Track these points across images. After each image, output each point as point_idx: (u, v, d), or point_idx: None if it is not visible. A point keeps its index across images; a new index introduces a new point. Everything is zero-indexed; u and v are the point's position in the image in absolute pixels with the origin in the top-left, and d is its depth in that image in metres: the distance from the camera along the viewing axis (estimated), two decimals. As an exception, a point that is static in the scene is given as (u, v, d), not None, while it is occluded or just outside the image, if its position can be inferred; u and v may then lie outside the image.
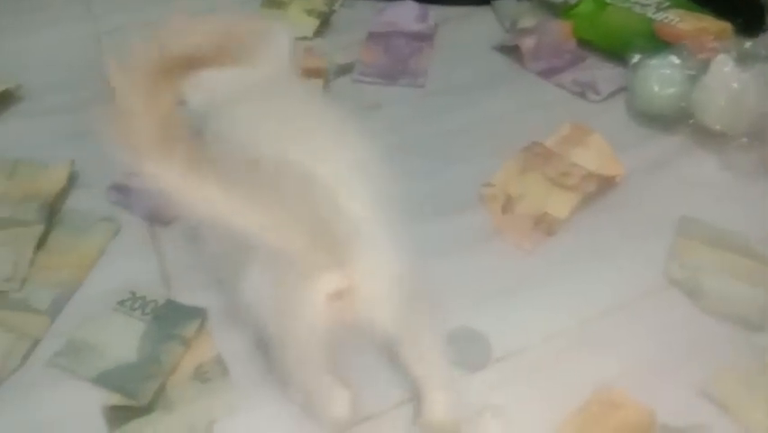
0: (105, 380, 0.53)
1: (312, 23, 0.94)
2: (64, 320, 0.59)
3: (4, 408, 0.53)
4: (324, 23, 0.96)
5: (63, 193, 0.69)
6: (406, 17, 0.95)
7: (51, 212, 0.66)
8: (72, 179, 0.71)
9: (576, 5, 0.92)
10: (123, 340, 0.55)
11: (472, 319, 0.58)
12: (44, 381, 0.54)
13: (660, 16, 0.86)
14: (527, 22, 0.95)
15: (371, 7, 0.99)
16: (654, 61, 0.77)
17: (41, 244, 0.64)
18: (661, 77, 0.76)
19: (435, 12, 0.97)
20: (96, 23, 1.01)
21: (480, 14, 0.98)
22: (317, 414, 0.49)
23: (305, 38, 0.93)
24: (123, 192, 0.70)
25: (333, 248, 0.39)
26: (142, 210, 0.68)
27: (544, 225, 0.65)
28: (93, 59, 0.92)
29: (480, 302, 0.59)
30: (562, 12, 0.93)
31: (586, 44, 0.89)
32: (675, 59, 0.76)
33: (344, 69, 0.88)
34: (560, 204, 0.65)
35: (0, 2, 1.04)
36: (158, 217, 0.67)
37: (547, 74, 0.86)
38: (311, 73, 0.85)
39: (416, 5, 0.97)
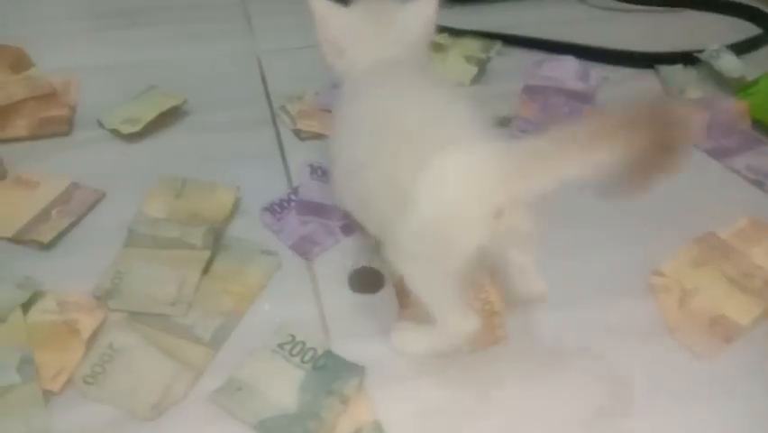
0: (265, 428, 0.52)
1: (470, 71, 0.93)
2: (225, 354, 0.59)
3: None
4: (482, 70, 0.94)
5: (228, 218, 0.70)
6: (566, 73, 0.93)
7: (217, 238, 0.67)
8: (235, 204, 0.72)
9: (755, 83, 0.87)
10: (283, 387, 0.55)
11: (639, 429, 0.54)
12: (205, 417, 0.54)
13: None
14: (695, 92, 0.91)
15: (528, 58, 0.97)
16: None
17: (205, 270, 0.65)
18: None
19: (595, 70, 0.94)
20: (255, 41, 1.04)
21: (643, 78, 0.95)
22: (447, 330, 0.55)
23: (461, 84, 0.92)
24: (275, 216, 0.71)
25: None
26: (291, 237, 0.69)
27: (721, 329, 0.60)
28: (252, 78, 0.94)
29: (652, 411, 0.56)
30: (738, 88, 0.88)
31: (762, 127, 0.84)
32: None
33: (503, 122, 0.86)
34: (741, 308, 0.61)
35: (168, 11, 1.08)
36: (303, 249, 0.68)
37: (717, 154, 0.82)
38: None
39: (577, 62, 0.94)
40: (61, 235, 0.69)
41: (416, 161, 0.50)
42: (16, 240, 0.68)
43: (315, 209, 0.72)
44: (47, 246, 0.68)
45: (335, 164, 0.61)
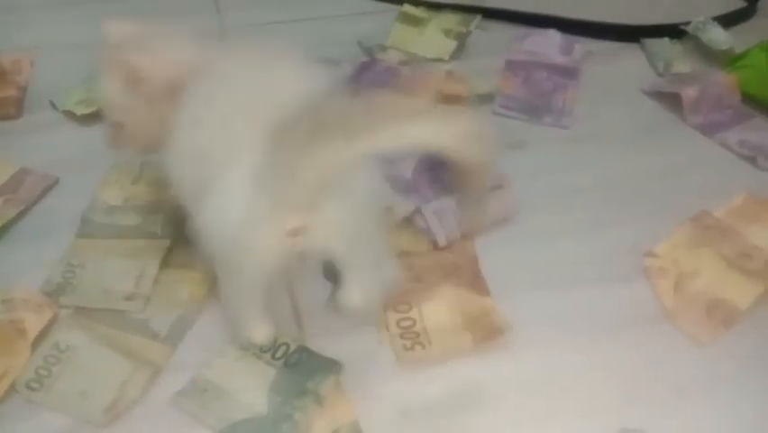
0: (233, 433, 0.48)
1: (449, 45, 0.89)
2: (188, 351, 0.54)
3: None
4: (461, 45, 0.90)
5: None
6: (549, 48, 0.88)
7: (177, 225, 0.62)
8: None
9: (744, 56, 0.84)
10: (251, 387, 0.50)
11: (643, 420, 0.51)
12: (166, 423, 0.49)
13: None
14: (682, 66, 0.87)
15: (509, 32, 0.93)
16: None
17: (163, 261, 0.60)
18: None
19: (579, 44, 0.89)
20: (221, 17, 0.97)
21: (628, 52, 0.91)
22: (236, 333, 0.52)
23: (440, 60, 0.87)
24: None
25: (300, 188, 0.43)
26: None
27: (720, 314, 0.57)
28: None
29: (651, 400, 0.52)
30: (727, 61, 0.85)
31: (752, 101, 0.81)
32: None
33: (484, 99, 0.81)
34: (741, 291, 0.58)
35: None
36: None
37: (707, 130, 0.78)
38: (451, 100, 0.79)
39: (560, 35, 0.90)
40: (8, 226, 0.64)
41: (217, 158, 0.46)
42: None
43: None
44: (-7, 237, 0.62)
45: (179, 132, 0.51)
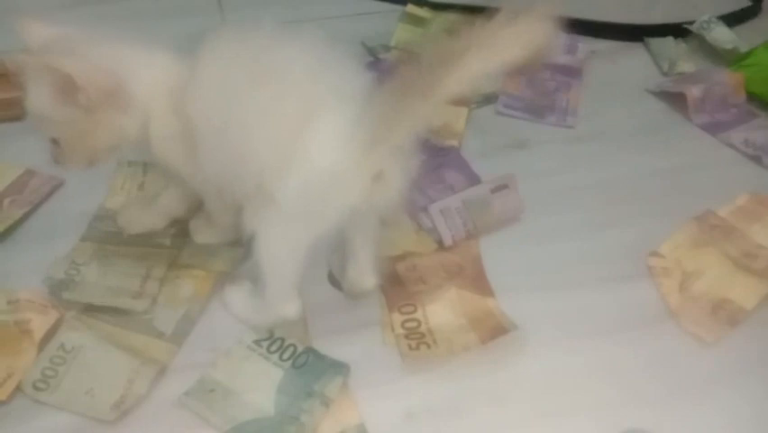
0: (239, 433, 0.48)
1: (452, 44, 0.88)
2: (194, 352, 0.54)
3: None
4: (464, 44, 0.89)
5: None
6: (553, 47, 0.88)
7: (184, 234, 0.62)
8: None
9: (748, 55, 0.84)
10: (258, 388, 0.50)
11: (646, 420, 0.51)
12: (173, 423, 0.50)
13: None
14: (687, 66, 0.87)
15: (512, 30, 0.92)
16: None
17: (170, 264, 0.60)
18: None
19: (582, 44, 0.89)
20: (225, 17, 0.97)
21: (633, 51, 0.91)
22: (269, 308, 0.53)
23: (443, 59, 0.87)
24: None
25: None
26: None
27: (725, 314, 0.57)
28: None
29: (654, 400, 0.52)
30: (732, 61, 0.85)
31: (757, 100, 0.81)
32: None
33: (488, 99, 0.81)
34: (746, 291, 0.57)
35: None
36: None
37: (712, 129, 0.78)
38: (453, 100, 0.79)
39: (564, 35, 0.89)
40: (14, 227, 0.64)
41: (297, 121, 0.47)
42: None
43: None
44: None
45: (195, 132, 0.51)
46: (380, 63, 0.85)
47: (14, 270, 0.59)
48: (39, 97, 0.49)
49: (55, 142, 0.52)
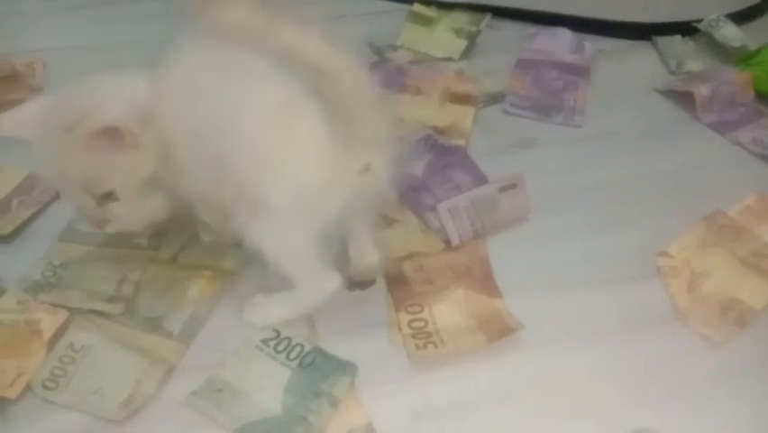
0: (247, 433, 0.48)
1: (459, 44, 0.89)
2: (202, 352, 0.54)
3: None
4: (471, 44, 0.89)
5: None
6: (560, 46, 0.88)
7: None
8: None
9: (757, 53, 0.83)
10: (266, 387, 0.51)
11: (650, 421, 0.50)
12: (180, 423, 0.50)
13: None
14: (694, 64, 0.87)
15: (519, 31, 0.92)
16: None
17: (172, 259, 0.60)
18: None
19: (589, 43, 0.89)
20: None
21: (640, 50, 0.90)
22: (310, 291, 0.54)
23: (450, 59, 0.87)
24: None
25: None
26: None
27: (734, 315, 0.57)
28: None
29: (659, 401, 0.52)
30: (740, 59, 0.84)
31: (766, 98, 0.80)
32: None
33: (494, 98, 0.81)
34: (755, 291, 0.57)
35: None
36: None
37: (720, 128, 0.78)
38: (460, 99, 0.79)
39: (571, 34, 0.89)
40: (22, 227, 0.64)
41: (275, 121, 0.48)
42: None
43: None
44: (7, 239, 0.63)
45: (179, 145, 0.51)
46: (387, 63, 0.85)
47: (24, 270, 0.59)
48: (84, 161, 0.50)
49: (105, 198, 0.52)
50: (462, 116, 0.77)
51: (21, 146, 0.72)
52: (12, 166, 0.70)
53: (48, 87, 0.81)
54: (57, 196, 0.68)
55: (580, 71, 0.84)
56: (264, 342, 0.53)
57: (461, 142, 0.74)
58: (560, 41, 0.88)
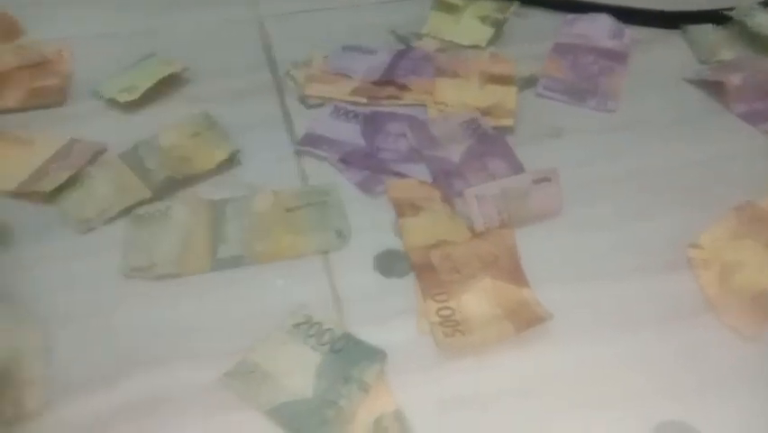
0: (280, 416, 0.49)
1: (486, 32, 0.88)
2: (234, 335, 0.55)
3: (178, 423, 0.50)
4: (498, 32, 0.89)
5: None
6: (599, 31, 0.87)
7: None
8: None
9: (792, 42, 0.82)
10: (296, 371, 0.51)
11: (680, 414, 0.50)
12: (215, 401, 0.50)
13: None
14: (726, 53, 0.85)
15: (546, 18, 0.91)
16: None
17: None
18: None
19: (629, 29, 0.88)
20: (258, 5, 0.98)
21: (670, 39, 0.89)
22: None
23: (477, 47, 0.86)
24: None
25: None
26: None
27: (765, 307, 0.56)
28: (255, 44, 0.89)
29: (689, 393, 0.52)
30: (774, 47, 0.83)
31: (799, 88, 0.79)
32: None
33: (528, 82, 0.81)
34: (787, 284, 0.57)
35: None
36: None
37: (751, 118, 0.77)
38: (500, 80, 0.79)
39: (611, 20, 0.88)
40: (62, 188, 0.66)
41: None
42: (17, 194, 0.65)
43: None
44: (49, 199, 0.65)
45: None
46: (413, 51, 0.84)
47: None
48: None
49: None
50: (504, 96, 0.76)
51: (50, 132, 0.74)
52: (48, 138, 0.71)
53: (76, 74, 0.82)
54: (91, 160, 0.69)
55: (617, 56, 0.84)
56: (296, 326, 0.54)
57: (508, 122, 0.73)
58: (599, 26, 0.88)
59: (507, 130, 0.73)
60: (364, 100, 0.78)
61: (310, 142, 0.73)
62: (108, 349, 0.54)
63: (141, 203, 0.65)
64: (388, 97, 0.78)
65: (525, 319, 0.55)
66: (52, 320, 0.55)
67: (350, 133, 0.73)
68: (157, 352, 0.54)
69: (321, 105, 0.78)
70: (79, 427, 0.49)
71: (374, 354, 0.52)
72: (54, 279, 0.59)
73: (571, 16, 0.90)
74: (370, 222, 0.65)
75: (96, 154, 0.69)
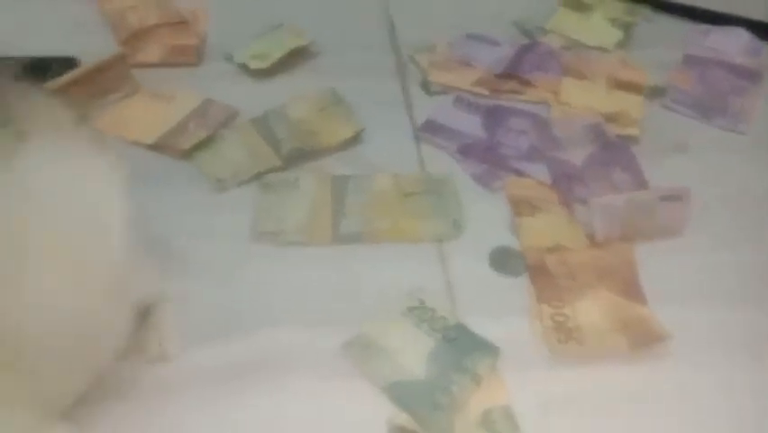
0: (394, 392, 0.50)
1: (615, 34, 0.86)
2: (352, 309, 0.56)
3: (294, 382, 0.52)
4: (627, 35, 0.86)
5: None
6: (733, 46, 0.83)
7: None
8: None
9: None
10: (410, 352, 0.52)
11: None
12: (334, 370, 0.52)
13: None
14: None
15: (677, 26, 0.88)
16: None
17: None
18: None
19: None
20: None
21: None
22: None
23: (603, 48, 0.84)
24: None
25: None
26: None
27: None
28: (380, 27, 0.89)
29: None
30: None
31: None
32: None
33: (654, 91, 0.78)
34: None
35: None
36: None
37: None
38: (628, 87, 0.77)
39: (748, 35, 0.84)
40: (199, 147, 0.69)
41: None
42: (156, 147, 0.68)
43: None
44: (186, 155, 0.68)
45: None
46: (538, 46, 0.83)
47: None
48: None
49: None
50: (632, 104, 0.75)
51: (186, 89, 0.77)
52: (186, 94, 0.74)
53: (211, 36, 0.85)
54: (224, 124, 0.71)
55: (752, 75, 0.80)
56: (410, 309, 0.55)
57: (634, 131, 0.72)
58: (734, 41, 0.84)
59: (632, 140, 0.72)
60: (486, 92, 0.78)
61: (431, 130, 0.73)
62: (238, 304, 0.56)
63: (271, 170, 0.67)
64: (511, 92, 0.78)
65: (642, 336, 0.54)
66: (190, 271, 0.58)
67: (470, 125, 0.74)
68: (279, 314, 0.56)
69: (443, 92, 0.78)
70: (213, 371, 0.52)
71: (488, 348, 0.53)
72: (193, 230, 0.61)
73: (704, 27, 0.86)
74: (486, 216, 0.65)
75: (229, 118, 0.72)
